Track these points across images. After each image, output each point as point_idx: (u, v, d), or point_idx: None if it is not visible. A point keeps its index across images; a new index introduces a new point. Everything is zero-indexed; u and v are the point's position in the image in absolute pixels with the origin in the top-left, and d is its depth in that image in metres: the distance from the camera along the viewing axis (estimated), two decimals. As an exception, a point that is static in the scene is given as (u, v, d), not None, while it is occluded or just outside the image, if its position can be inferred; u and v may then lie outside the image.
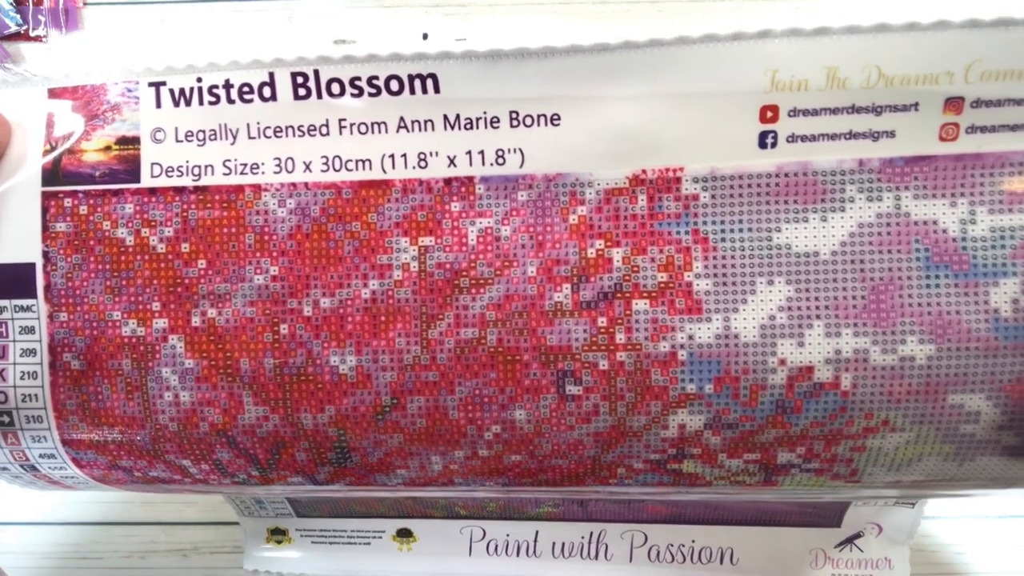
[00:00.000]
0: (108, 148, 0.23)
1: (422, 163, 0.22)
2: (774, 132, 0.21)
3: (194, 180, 0.23)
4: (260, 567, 0.40)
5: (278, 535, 0.40)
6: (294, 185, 0.22)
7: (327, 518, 0.39)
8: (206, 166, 0.23)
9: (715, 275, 0.21)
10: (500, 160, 0.22)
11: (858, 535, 0.36)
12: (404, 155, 0.22)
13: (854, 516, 0.36)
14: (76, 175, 0.23)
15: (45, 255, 0.23)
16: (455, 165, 0.22)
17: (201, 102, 0.23)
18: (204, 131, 0.23)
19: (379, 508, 0.39)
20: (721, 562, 0.38)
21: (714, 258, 0.21)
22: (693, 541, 0.38)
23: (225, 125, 0.23)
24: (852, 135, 0.21)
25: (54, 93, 0.23)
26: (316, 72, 0.22)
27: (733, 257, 0.21)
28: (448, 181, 0.22)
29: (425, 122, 0.22)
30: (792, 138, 0.21)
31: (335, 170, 0.22)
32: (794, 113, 0.21)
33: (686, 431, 0.22)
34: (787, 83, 0.20)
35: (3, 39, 0.40)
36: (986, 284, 0.20)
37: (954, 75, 0.20)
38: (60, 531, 0.41)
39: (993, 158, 0.20)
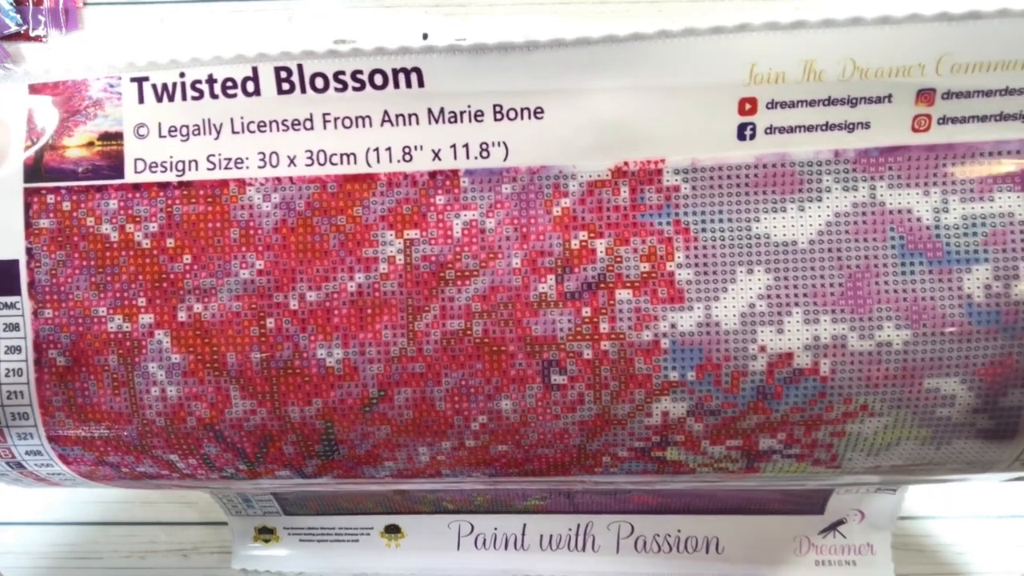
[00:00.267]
0: (91, 144, 0.23)
1: (407, 157, 0.22)
2: (753, 124, 0.21)
3: (178, 175, 0.23)
4: (248, 566, 0.40)
5: (266, 534, 0.40)
6: (279, 179, 0.23)
7: (315, 516, 0.39)
8: (190, 161, 0.23)
9: (696, 265, 0.22)
10: (484, 153, 0.22)
11: (841, 522, 0.37)
12: (389, 149, 0.22)
13: (837, 503, 0.36)
14: (59, 171, 0.23)
15: (28, 251, 0.23)
16: (439, 158, 0.22)
17: (184, 97, 0.23)
18: (188, 126, 0.23)
19: (367, 504, 0.39)
20: (707, 551, 0.38)
21: (695, 248, 0.22)
22: (679, 531, 0.38)
23: (209, 120, 0.23)
24: (828, 126, 0.21)
25: (35, 89, 0.23)
26: (300, 66, 0.22)
27: (714, 247, 0.22)
28: (433, 174, 0.22)
29: (409, 116, 0.22)
30: (770, 130, 0.21)
31: (320, 164, 0.22)
32: (772, 105, 0.21)
33: (669, 418, 0.22)
34: (765, 76, 0.21)
35: (3, 39, 0.40)
36: (959, 270, 0.21)
37: (926, 67, 0.20)
38: (60, 531, 0.41)
39: (964, 148, 0.21)
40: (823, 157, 0.21)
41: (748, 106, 0.21)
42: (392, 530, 0.39)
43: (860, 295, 0.21)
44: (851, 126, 0.21)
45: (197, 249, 0.23)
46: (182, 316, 0.23)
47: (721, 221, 0.22)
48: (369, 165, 0.22)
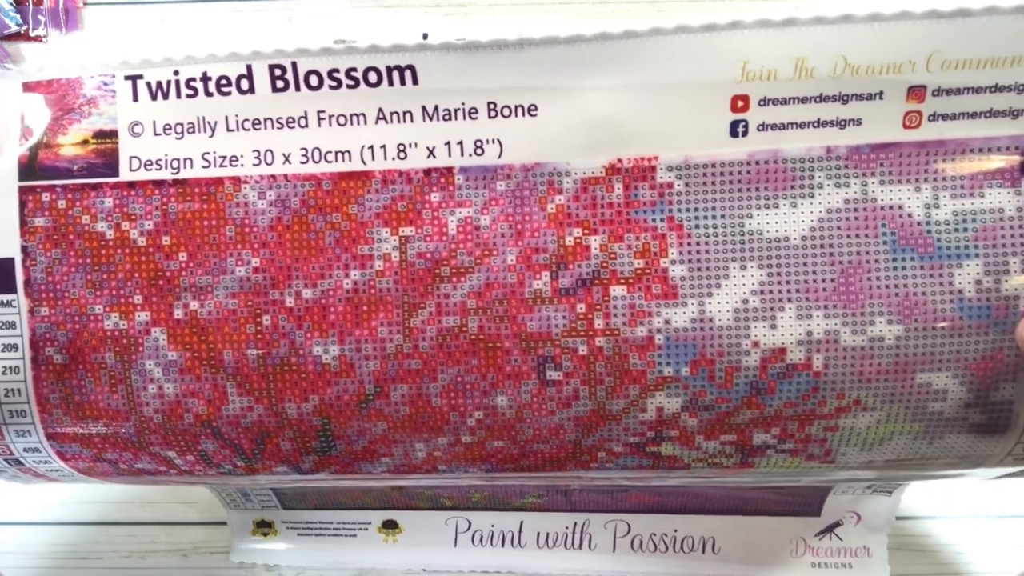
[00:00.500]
0: (85, 142, 0.23)
1: (401, 154, 0.22)
2: (745, 121, 0.21)
3: (173, 173, 0.23)
4: (247, 559, 0.40)
5: (264, 527, 0.40)
6: (274, 177, 0.23)
7: (313, 510, 0.39)
8: (185, 159, 0.23)
9: (690, 261, 0.22)
10: (479, 150, 0.22)
11: (837, 524, 0.37)
12: (383, 146, 0.22)
13: (833, 505, 0.36)
14: (53, 169, 0.23)
15: (24, 250, 0.23)
16: (434, 156, 0.22)
17: (179, 95, 0.23)
18: (182, 124, 0.23)
19: (365, 500, 0.39)
20: (703, 551, 0.38)
21: (689, 244, 0.22)
22: (675, 530, 0.38)
23: (203, 118, 0.23)
24: (820, 123, 0.21)
25: (29, 87, 0.23)
26: (294, 64, 0.22)
27: (707, 243, 0.22)
28: (428, 172, 0.22)
29: (404, 113, 0.22)
30: (762, 127, 0.21)
31: (315, 162, 0.23)
32: (764, 102, 0.21)
33: (664, 414, 0.22)
34: (757, 73, 0.21)
35: (3, 39, 0.40)
36: (950, 266, 0.21)
37: (916, 64, 0.21)
38: (60, 531, 0.41)
39: (955, 144, 0.21)
40: (815, 154, 0.21)
41: (740, 103, 0.21)
42: (390, 525, 0.39)
43: (852, 291, 0.21)
44: (843, 123, 0.21)
45: (193, 247, 0.23)
46: (178, 313, 0.23)
47: (714, 217, 0.22)
48: (364, 163, 0.22)
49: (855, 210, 0.21)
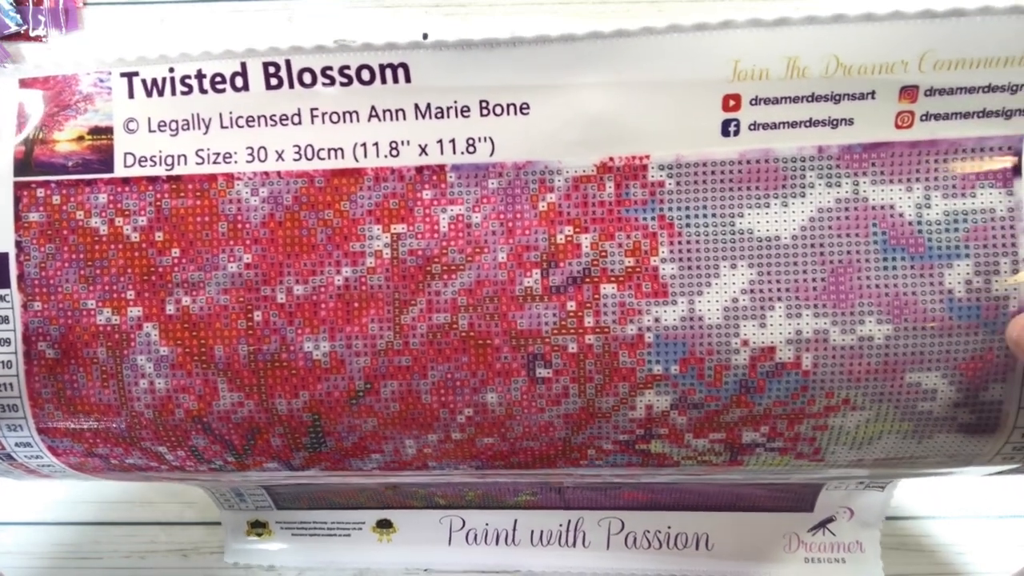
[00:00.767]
0: (81, 138, 0.23)
1: (394, 152, 0.22)
2: (736, 120, 0.21)
3: (167, 170, 0.23)
4: (241, 560, 0.40)
5: (258, 528, 0.40)
6: (267, 174, 0.23)
7: (307, 510, 0.39)
8: (179, 156, 0.23)
9: (680, 259, 0.22)
10: (471, 148, 0.22)
11: (830, 519, 0.37)
12: (376, 144, 0.22)
13: (826, 500, 0.36)
14: (49, 165, 0.23)
15: (18, 245, 0.23)
16: (426, 154, 0.22)
17: (174, 92, 0.23)
18: (177, 121, 0.23)
19: (359, 499, 0.39)
20: (697, 547, 0.38)
21: (679, 243, 0.22)
22: (669, 527, 0.38)
23: (198, 115, 0.23)
24: (812, 123, 0.21)
25: (25, 83, 0.23)
26: (288, 62, 0.22)
27: (698, 242, 0.22)
28: (420, 169, 0.22)
29: (396, 111, 0.22)
30: (754, 126, 0.21)
31: (307, 159, 0.23)
32: (756, 102, 0.21)
33: (653, 411, 0.22)
34: (749, 72, 0.21)
35: (3, 39, 0.40)
36: (941, 266, 0.21)
37: (909, 64, 0.21)
38: (60, 531, 0.41)
39: (947, 144, 0.21)
40: (807, 153, 0.21)
41: (732, 102, 0.21)
42: (384, 525, 0.40)
43: (842, 290, 0.21)
44: (834, 122, 0.21)
45: (185, 243, 0.23)
46: (170, 309, 0.23)
47: (705, 216, 0.22)
48: (356, 160, 0.22)
49: (846, 210, 0.21)
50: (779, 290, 0.21)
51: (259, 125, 0.23)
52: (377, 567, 0.40)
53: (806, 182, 0.21)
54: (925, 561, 0.39)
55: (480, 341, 0.22)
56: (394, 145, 0.22)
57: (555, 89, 0.22)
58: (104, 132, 0.23)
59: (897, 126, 0.21)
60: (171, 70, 0.23)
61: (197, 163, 0.23)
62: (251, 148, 0.23)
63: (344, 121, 0.22)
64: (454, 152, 0.22)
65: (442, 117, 0.22)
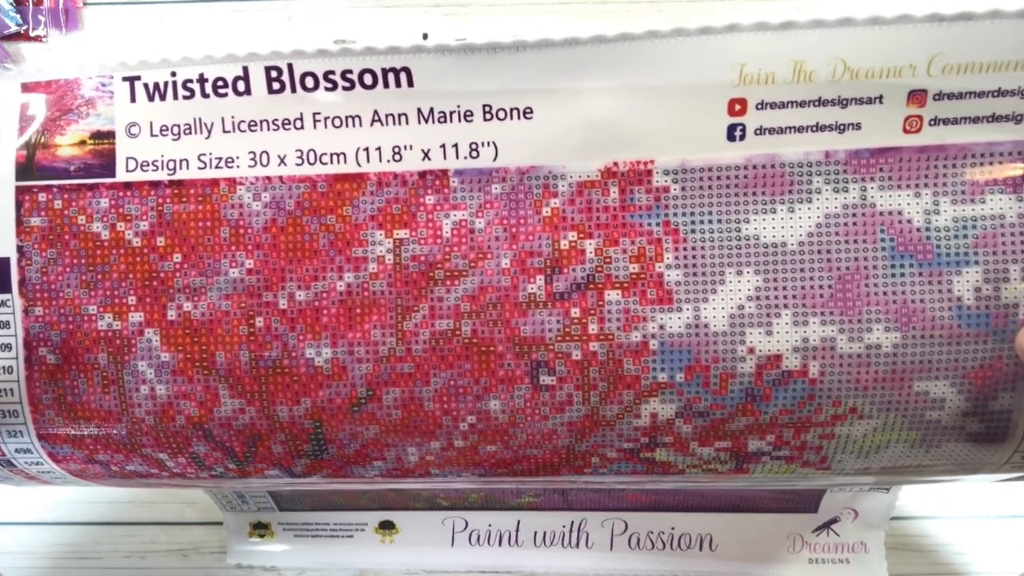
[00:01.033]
0: (83, 142, 0.23)
1: (396, 156, 0.22)
2: (742, 125, 0.21)
3: (169, 174, 0.23)
4: (243, 561, 0.40)
5: (261, 529, 0.40)
6: (269, 179, 0.23)
7: (309, 511, 0.39)
8: (181, 160, 0.23)
9: (685, 266, 0.22)
10: (474, 153, 0.22)
11: (835, 520, 0.37)
12: (379, 148, 0.22)
13: (830, 501, 0.36)
14: (50, 169, 0.23)
15: (20, 250, 0.23)
16: (429, 158, 0.22)
17: (176, 96, 0.23)
18: (179, 125, 0.23)
19: (361, 501, 0.39)
20: (700, 548, 0.38)
21: (684, 249, 0.22)
22: (673, 528, 0.38)
23: (200, 119, 0.23)
24: (819, 127, 0.21)
25: (27, 87, 0.23)
26: (290, 66, 0.22)
27: (703, 248, 0.21)
28: (423, 174, 0.22)
29: (399, 115, 0.22)
30: (760, 131, 0.21)
31: (310, 163, 0.22)
32: (762, 106, 0.21)
33: (658, 420, 0.22)
34: (755, 76, 0.21)
35: (3, 39, 0.40)
36: (949, 273, 0.21)
37: (917, 68, 0.20)
38: (60, 531, 0.41)
39: (956, 149, 0.21)
40: (813, 158, 0.21)
41: (738, 107, 0.21)
42: (387, 526, 0.39)
43: (850, 297, 0.21)
44: (842, 127, 0.21)
45: (187, 248, 0.23)
46: (172, 315, 0.23)
47: (711, 222, 0.21)
48: (359, 165, 0.22)
49: (853, 215, 0.21)
50: (785, 297, 0.21)
51: (261, 129, 0.22)
52: (379, 568, 0.40)
53: (813, 187, 0.21)
54: (925, 561, 0.39)
55: (483, 348, 0.22)
56: (397, 150, 0.22)
57: (559, 93, 0.21)
58: (106, 136, 0.23)
59: (905, 131, 0.21)
60: (173, 74, 0.23)
61: (199, 168, 0.23)
62: (253, 153, 0.23)
63: (346, 125, 0.22)
64: (457, 157, 0.22)
65: (445, 121, 0.22)
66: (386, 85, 0.22)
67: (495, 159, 0.22)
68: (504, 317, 0.22)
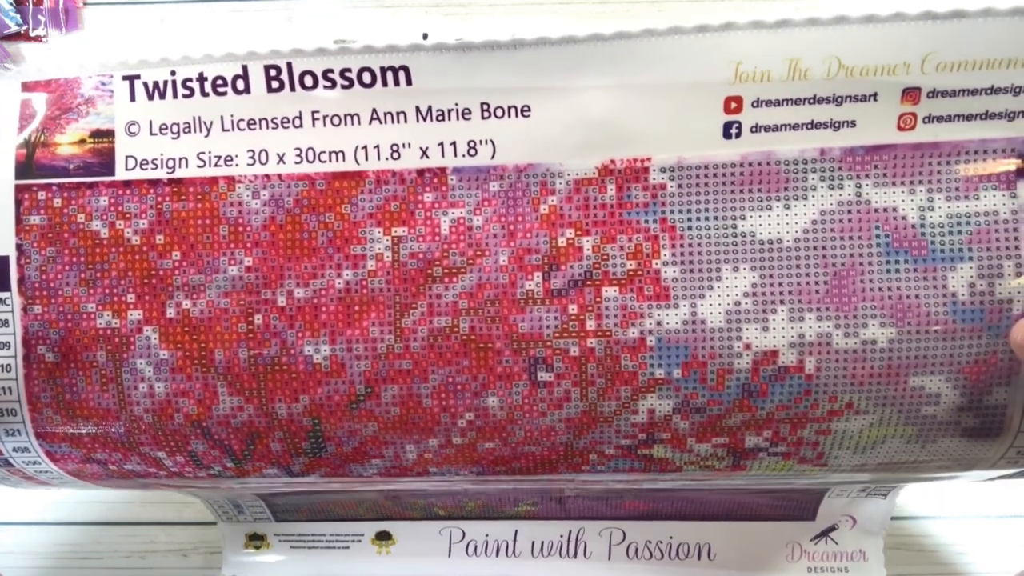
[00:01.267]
0: (82, 141, 0.23)
1: (395, 154, 0.22)
2: (738, 123, 0.21)
3: (168, 173, 0.23)
4: (238, 572, 0.40)
5: (256, 540, 0.40)
6: (268, 177, 0.23)
7: (305, 522, 0.39)
8: (180, 158, 0.23)
9: (682, 262, 0.22)
10: (472, 151, 0.22)
11: (833, 528, 0.37)
12: (377, 146, 0.22)
13: (828, 508, 0.36)
14: (50, 168, 0.23)
15: (19, 248, 0.23)
16: (428, 156, 0.22)
17: (175, 95, 0.23)
18: (178, 124, 0.23)
19: (358, 511, 0.38)
20: (699, 558, 0.38)
21: (681, 246, 0.22)
22: (671, 537, 0.38)
23: (199, 118, 0.23)
24: (814, 125, 0.21)
25: (27, 86, 0.23)
26: (289, 65, 0.22)
27: (699, 245, 0.22)
28: (421, 172, 0.22)
29: (398, 114, 0.22)
30: (756, 128, 0.21)
31: (308, 162, 0.23)
32: (757, 104, 0.21)
33: (655, 416, 0.22)
34: (750, 74, 0.21)
35: (3, 39, 0.40)
36: (944, 269, 0.21)
37: (911, 66, 0.21)
38: (60, 531, 0.41)
39: (950, 146, 0.21)
40: (809, 155, 0.21)
41: (734, 104, 0.21)
42: (383, 536, 0.39)
43: (845, 293, 0.21)
44: (837, 124, 0.21)
45: (186, 246, 0.23)
46: (171, 312, 0.23)
47: (707, 219, 0.22)
48: (358, 163, 0.22)
49: (848, 212, 0.21)
50: (782, 293, 0.21)
51: (260, 128, 0.23)
52: (378, 578, 0.39)
53: (808, 184, 0.21)
54: (925, 561, 0.39)
55: (481, 345, 0.22)
56: (395, 148, 0.22)
57: (556, 91, 0.22)
58: (105, 135, 0.23)
59: (899, 128, 0.21)
60: (172, 73, 0.23)
61: (198, 166, 0.23)
62: (252, 151, 0.23)
63: (345, 124, 0.22)
64: (455, 155, 0.22)
65: (443, 119, 0.22)
66: (385, 83, 0.22)
67: (493, 157, 0.22)
68: (502, 314, 0.22)
